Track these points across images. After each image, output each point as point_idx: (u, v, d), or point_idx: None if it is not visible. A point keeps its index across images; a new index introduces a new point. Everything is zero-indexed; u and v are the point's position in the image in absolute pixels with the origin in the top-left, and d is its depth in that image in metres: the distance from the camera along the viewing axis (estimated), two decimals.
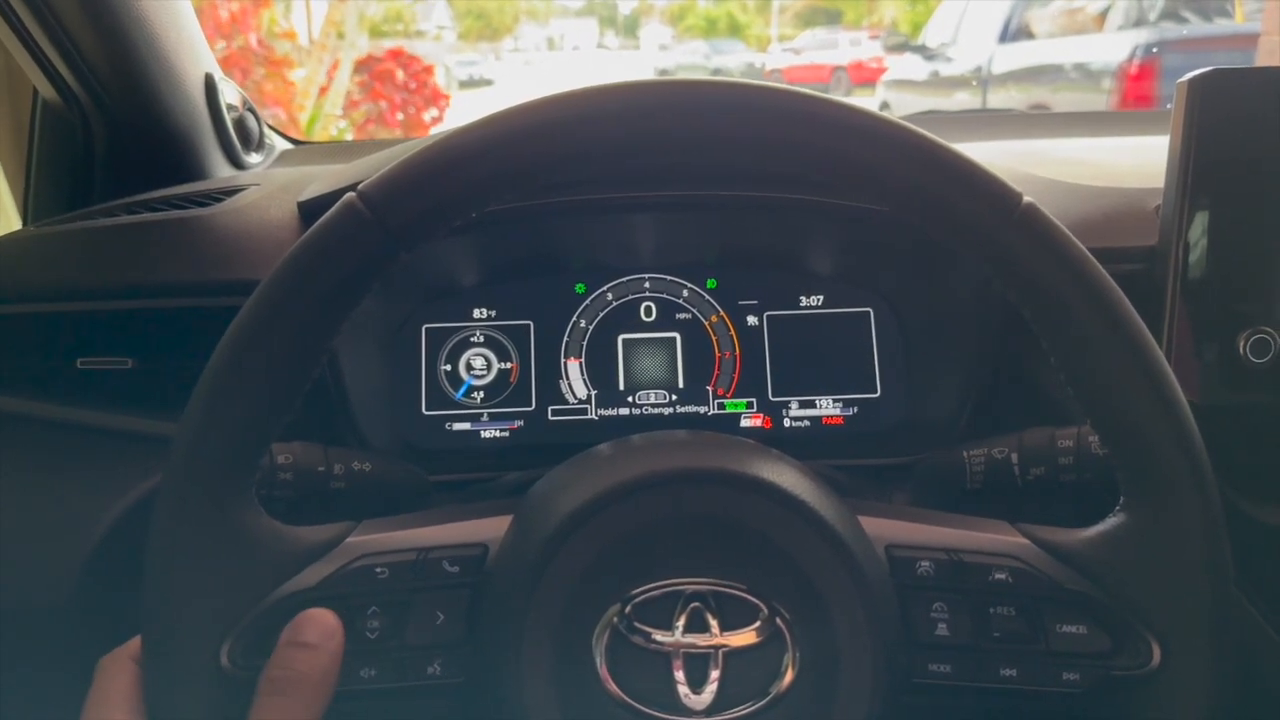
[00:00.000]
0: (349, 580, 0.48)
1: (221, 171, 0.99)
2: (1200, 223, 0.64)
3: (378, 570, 0.48)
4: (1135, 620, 0.47)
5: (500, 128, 0.45)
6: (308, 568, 0.48)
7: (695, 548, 0.47)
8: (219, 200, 0.81)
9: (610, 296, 0.81)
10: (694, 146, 0.46)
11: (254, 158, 1.03)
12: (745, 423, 0.80)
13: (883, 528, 0.50)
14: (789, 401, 0.80)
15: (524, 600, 0.46)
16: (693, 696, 0.45)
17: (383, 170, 0.46)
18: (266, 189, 0.83)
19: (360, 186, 0.46)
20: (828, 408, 0.80)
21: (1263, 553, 0.64)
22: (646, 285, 0.81)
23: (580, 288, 0.81)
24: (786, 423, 0.80)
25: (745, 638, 0.45)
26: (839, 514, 0.48)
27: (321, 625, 0.46)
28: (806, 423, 0.80)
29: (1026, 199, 0.46)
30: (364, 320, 0.76)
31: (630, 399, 0.80)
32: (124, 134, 0.92)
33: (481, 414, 0.79)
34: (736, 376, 0.80)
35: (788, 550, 0.46)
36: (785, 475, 0.48)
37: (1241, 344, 0.63)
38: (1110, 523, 0.48)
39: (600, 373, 0.80)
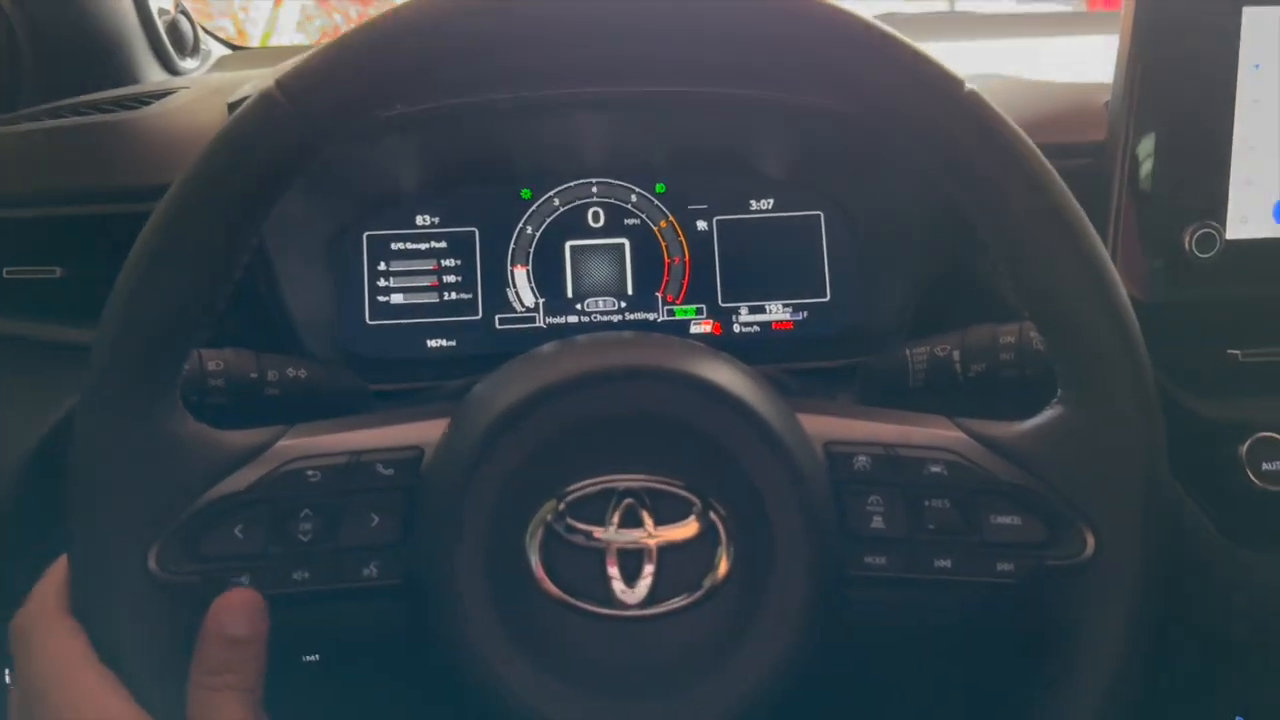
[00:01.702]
0: (279, 484, 0.47)
1: (154, 77, 0.95)
2: (1148, 117, 0.63)
3: (309, 473, 0.48)
4: (1069, 511, 0.47)
5: (426, 9, 0.43)
6: (237, 471, 0.47)
7: (630, 445, 0.46)
8: (147, 104, 0.78)
9: (557, 202, 0.79)
10: (628, 32, 0.44)
11: (189, 63, 0.99)
12: (695, 329, 0.79)
13: (822, 425, 0.50)
14: (738, 307, 0.79)
15: (457, 499, 0.45)
16: (627, 591, 0.45)
17: (303, 57, 0.44)
18: (197, 92, 0.80)
19: (278, 75, 0.44)
20: (777, 313, 0.79)
21: (1203, 446, 0.64)
22: (594, 190, 0.79)
23: (526, 193, 0.79)
24: (736, 328, 0.79)
25: (679, 532, 0.45)
26: (775, 410, 0.47)
27: (248, 612, 0.45)
28: (756, 328, 0.79)
29: (969, 85, 0.45)
30: (303, 228, 0.74)
31: (579, 306, 0.79)
32: (47, 36, 0.88)
33: (427, 323, 0.78)
34: (686, 282, 0.79)
35: (722, 445, 0.46)
36: (721, 372, 0.47)
37: (1187, 239, 0.63)
38: (1047, 415, 0.48)
39: (548, 280, 0.79)
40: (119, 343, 0.44)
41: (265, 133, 0.44)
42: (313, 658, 0.58)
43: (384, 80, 0.44)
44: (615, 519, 0.45)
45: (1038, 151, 0.46)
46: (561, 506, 0.45)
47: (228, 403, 0.59)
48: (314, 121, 0.44)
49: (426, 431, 0.50)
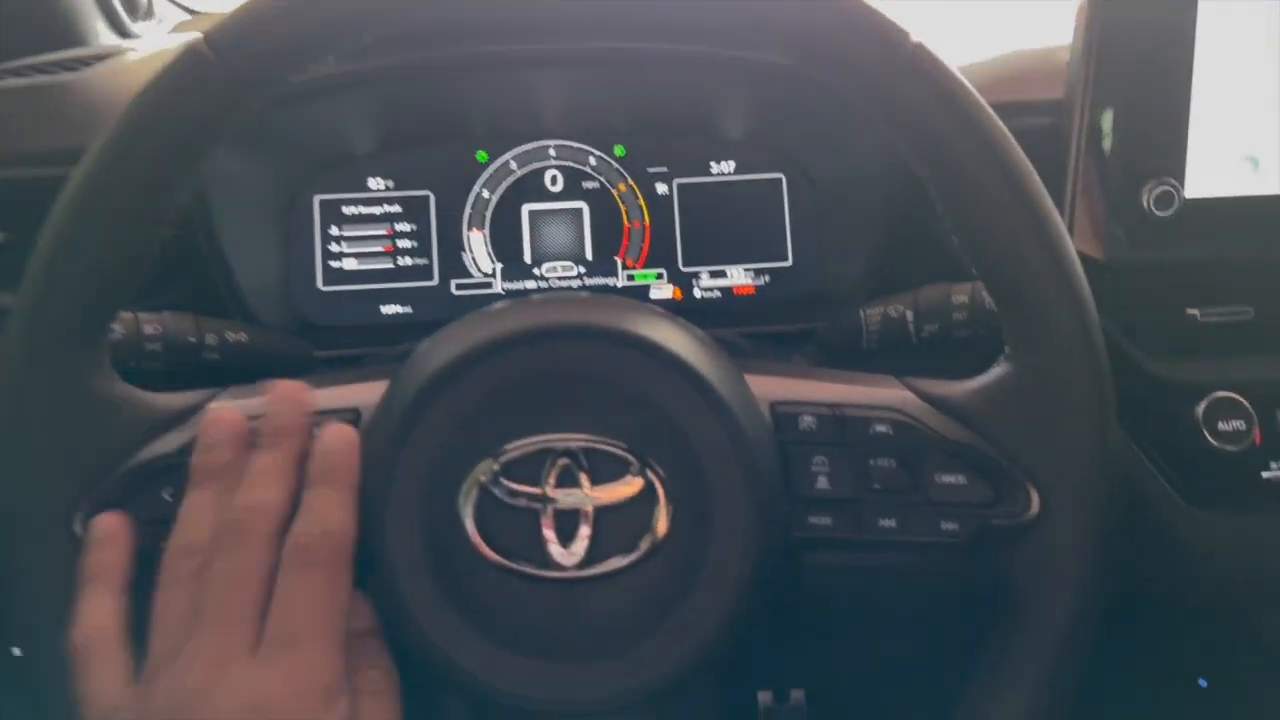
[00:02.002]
0: None
1: (104, 40, 0.93)
2: (1105, 74, 0.62)
3: None
4: (1015, 470, 0.46)
5: None
6: (166, 434, 0.46)
7: (567, 404, 0.45)
8: (90, 65, 0.76)
9: (514, 165, 0.77)
10: None
11: (141, 26, 0.97)
12: (655, 294, 0.78)
13: (769, 385, 0.49)
14: (699, 271, 0.78)
15: (389, 459, 0.44)
16: (563, 552, 0.44)
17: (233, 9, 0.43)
18: (143, 53, 0.78)
19: (208, 28, 0.43)
20: (739, 277, 0.78)
21: (1160, 408, 0.64)
22: (552, 153, 0.78)
23: (482, 156, 0.77)
24: (697, 293, 0.78)
25: (616, 492, 0.44)
26: (718, 369, 0.46)
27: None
28: (718, 293, 0.78)
29: (916, 38, 0.44)
30: (251, 192, 0.73)
31: (537, 271, 0.78)
32: None
33: (381, 289, 0.76)
34: (646, 247, 0.78)
35: (661, 405, 0.45)
36: (662, 331, 0.46)
37: (1145, 197, 0.62)
38: (994, 373, 0.48)
39: (505, 245, 0.77)
40: (41, 302, 0.44)
41: (190, 86, 0.43)
42: None
43: (312, 32, 0.43)
44: (551, 479, 0.44)
45: (984, 104, 0.45)
46: (496, 466, 0.44)
47: (165, 367, 0.58)
48: (241, 75, 0.43)
49: (365, 394, 0.49)
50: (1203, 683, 0.86)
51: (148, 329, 0.58)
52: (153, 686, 0.40)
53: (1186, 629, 0.81)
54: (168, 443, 0.46)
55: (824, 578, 0.49)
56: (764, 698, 0.93)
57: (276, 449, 0.44)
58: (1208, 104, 0.62)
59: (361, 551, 0.44)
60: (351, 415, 0.48)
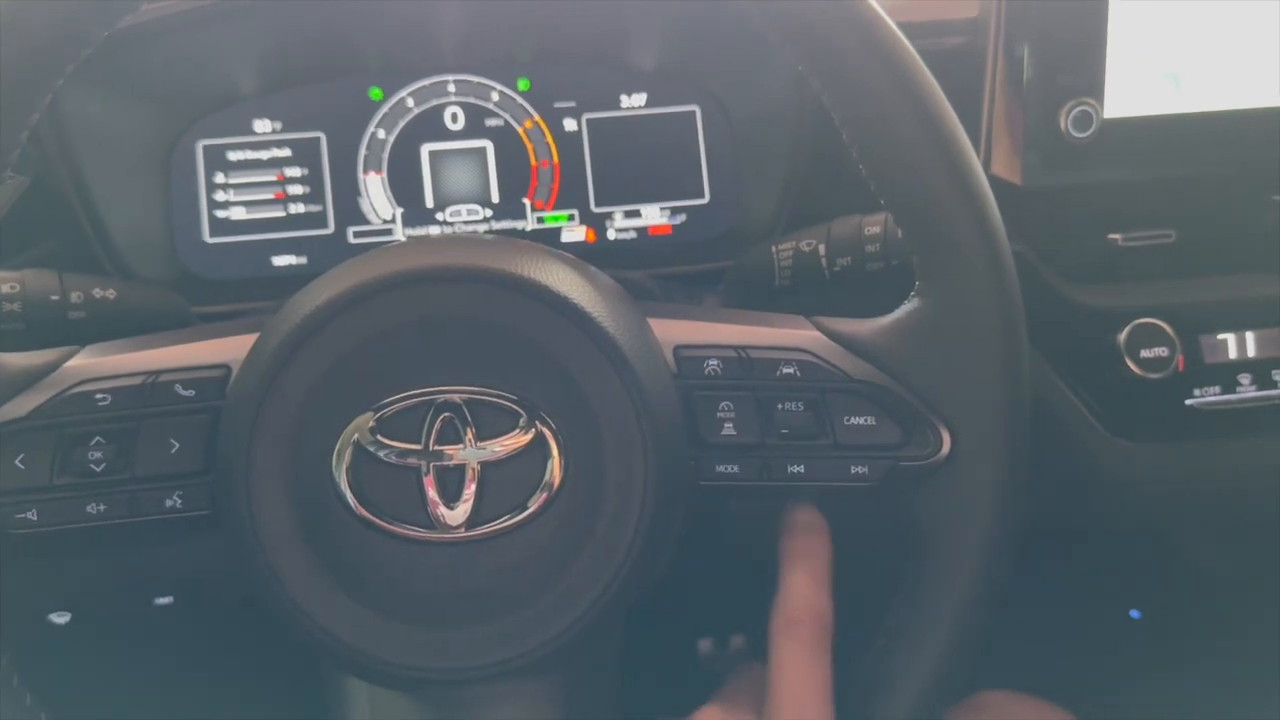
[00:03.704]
0: (65, 408, 0.43)
1: None
2: None
3: (98, 396, 0.43)
4: (924, 408, 0.44)
5: None
6: (18, 396, 0.43)
7: (449, 354, 0.42)
8: None
9: (411, 102, 0.73)
10: None
11: None
12: (567, 236, 0.75)
13: (674, 329, 0.46)
14: (613, 212, 0.75)
15: (251, 415, 0.41)
16: (448, 513, 0.41)
17: None
18: None
19: None
20: (654, 217, 0.75)
21: (1082, 336, 0.62)
22: (451, 88, 0.73)
23: (376, 93, 0.73)
24: (611, 234, 0.75)
25: (504, 446, 0.41)
26: (610, 312, 0.43)
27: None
28: (632, 234, 0.75)
29: None
30: (127, 140, 0.68)
31: (440, 216, 0.74)
32: None
33: (272, 239, 0.72)
34: (555, 187, 0.74)
35: (549, 351, 0.42)
36: (547, 272, 0.43)
37: (1063, 118, 0.59)
38: (903, 309, 0.45)
39: (405, 188, 0.73)
40: None
41: (27, 17, 0.39)
42: (166, 600, 0.54)
43: None
44: (430, 434, 0.41)
45: (888, 22, 0.42)
46: (373, 422, 0.41)
47: (27, 329, 0.54)
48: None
49: (235, 348, 0.45)
50: (1135, 614, 0.86)
51: (5, 288, 0.54)
52: None
53: (1116, 561, 0.80)
54: (19, 406, 0.43)
55: (741, 525, 0.48)
56: (704, 645, 0.92)
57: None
58: (1126, 20, 0.60)
59: (226, 515, 0.41)
60: (219, 372, 0.44)
